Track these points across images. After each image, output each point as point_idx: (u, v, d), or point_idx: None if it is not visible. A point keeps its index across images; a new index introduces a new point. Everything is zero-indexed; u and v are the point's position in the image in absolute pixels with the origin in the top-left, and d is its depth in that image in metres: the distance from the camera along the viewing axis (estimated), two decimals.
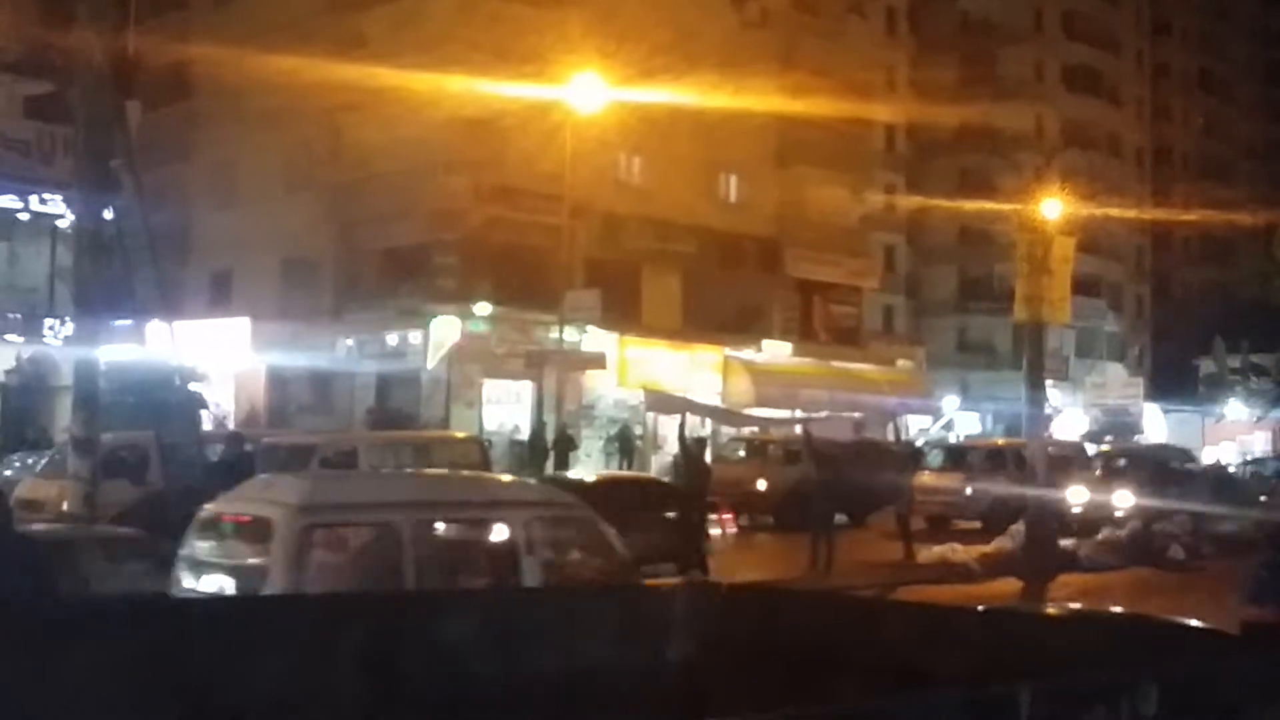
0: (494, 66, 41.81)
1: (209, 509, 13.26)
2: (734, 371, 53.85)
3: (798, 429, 45.10)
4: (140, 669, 6.32)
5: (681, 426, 32.32)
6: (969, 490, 36.45)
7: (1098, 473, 37.78)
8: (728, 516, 31.24)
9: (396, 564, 12.32)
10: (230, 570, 12.59)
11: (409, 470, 23.26)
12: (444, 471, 21.67)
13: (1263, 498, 37.66)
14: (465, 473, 20.60)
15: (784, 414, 50.79)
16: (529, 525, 13.35)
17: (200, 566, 12.75)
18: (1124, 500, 34.45)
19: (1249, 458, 57.16)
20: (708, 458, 31.03)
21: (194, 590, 12.43)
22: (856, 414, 49.40)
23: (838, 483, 28.19)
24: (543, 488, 18.33)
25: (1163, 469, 39.68)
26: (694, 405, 43.68)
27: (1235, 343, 64.58)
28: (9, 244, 39.17)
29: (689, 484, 25.80)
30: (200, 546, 12.98)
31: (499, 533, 13.46)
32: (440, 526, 13.45)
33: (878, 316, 70.86)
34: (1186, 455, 46.86)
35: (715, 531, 27.69)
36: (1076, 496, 33.42)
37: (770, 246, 57.31)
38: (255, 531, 12.47)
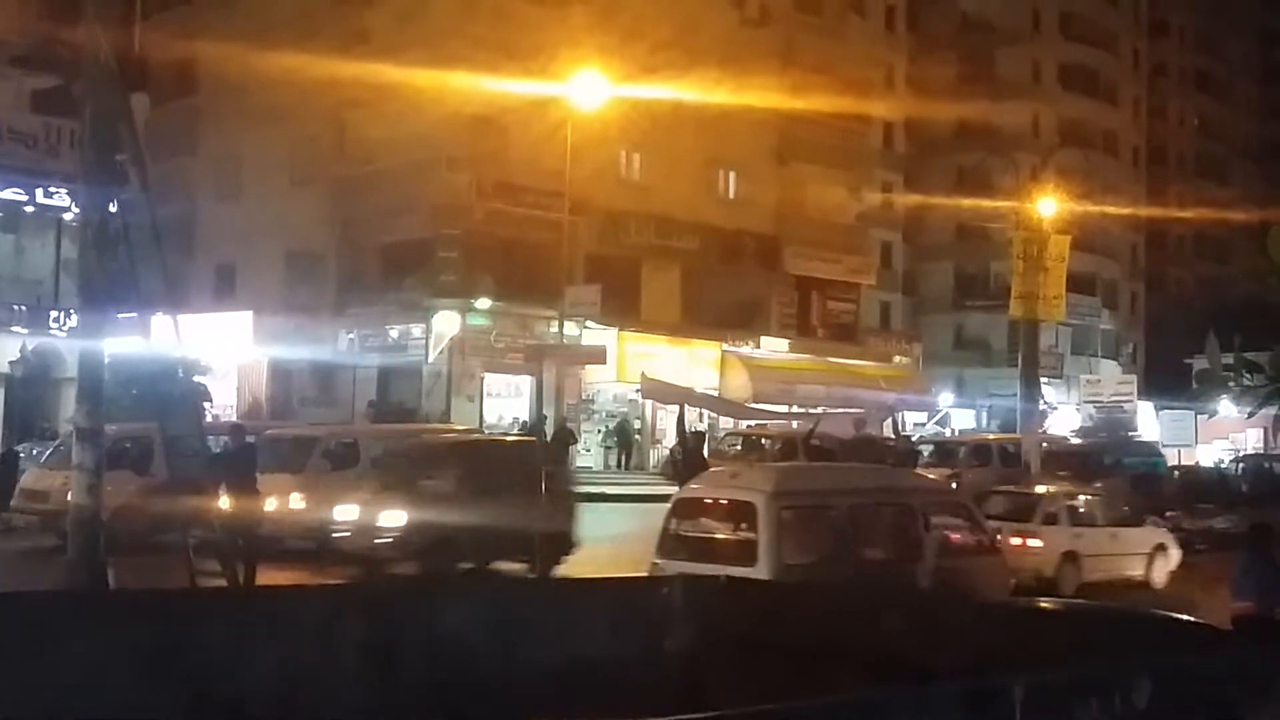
0: (496, 63, 41.89)
1: (685, 494, 16.43)
2: (732, 367, 53.97)
3: (795, 424, 45.29)
4: (146, 659, 6.47)
5: (680, 418, 32.45)
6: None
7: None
8: None
9: (840, 537, 15.65)
10: (719, 543, 15.64)
11: (843, 465, 27.38)
12: (865, 465, 25.85)
13: None
14: (877, 466, 25.20)
15: (781, 408, 51.04)
16: (925, 508, 16.83)
17: (685, 540, 15.81)
18: (394, 519, 23.21)
19: (1239, 454, 57.34)
20: (705, 451, 31.12)
21: (673, 561, 15.09)
22: (857, 410, 49.50)
23: None
24: (931, 479, 23.93)
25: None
26: (691, 394, 43.72)
27: (1228, 340, 64.42)
28: (15, 236, 39.23)
29: (685, 476, 25.57)
30: (684, 524, 16.02)
31: (906, 513, 16.70)
32: (866, 508, 16.57)
33: (875, 313, 70.94)
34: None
35: None
36: (345, 514, 23.78)
37: (769, 243, 57.43)
38: (739, 512, 15.44)
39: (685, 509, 16.21)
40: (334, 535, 23.34)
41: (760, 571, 14.49)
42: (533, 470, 24.91)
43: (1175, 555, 26.37)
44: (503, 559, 23.11)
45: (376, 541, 22.18)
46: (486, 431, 40.17)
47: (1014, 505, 25.30)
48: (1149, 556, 25.93)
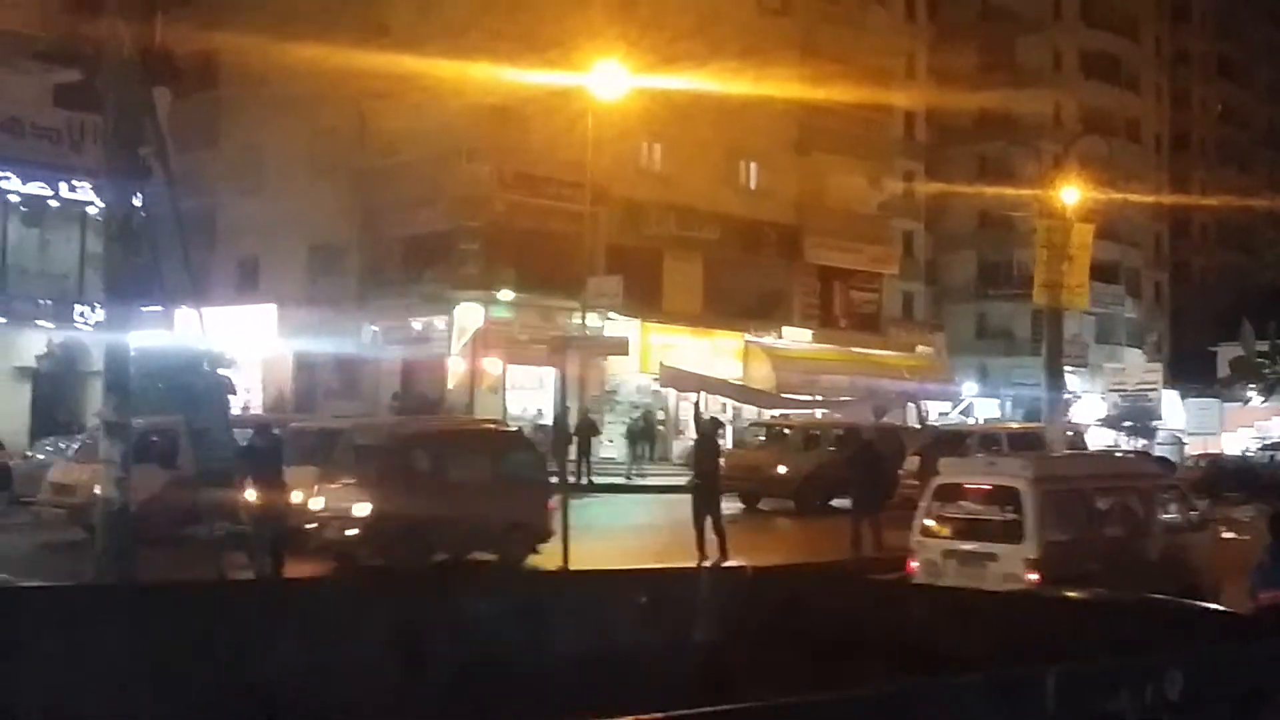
0: (517, 54, 41.87)
1: (945, 481, 17.94)
2: (755, 357, 53.93)
3: (819, 414, 45.28)
4: (175, 651, 6.49)
5: (696, 405, 32.43)
6: None
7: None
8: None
9: (1087, 517, 17.54)
10: (982, 523, 17.28)
11: (1085, 453, 30.89)
12: (1104, 453, 30.51)
13: None
14: (1113, 454, 29.36)
15: (803, 397, 50.95)
16: (1152, 492, 18.87)
17: (946, 521, 17.54)
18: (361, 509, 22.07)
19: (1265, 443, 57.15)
20: (724, 440, 31.07)
21: (936, 539, 17.42)
22: (873, 399, 49.46)
23: (878, 466, 28.00)
24: (1152, 464, 27.10)
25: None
26: (709, 381, 43.65)
27: (1261, 328, 64.36)
28: (39, 231, 39.26)
29: (698, 464, 25.49)
30: (946, 507, 17.63)
31: (1137, 497, 18.61)
32: (1106, 490, 18.42)
33: (897, 303, 70.77)
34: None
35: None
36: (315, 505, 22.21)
37: (790, 233, 57.35)
38: (1002, 496, 17.12)
39: (945, 493, 17.77)
40: (305, 526, 21.74)
41: (1026, 549, 16.41)
42: (515, 459, 24.93)
43: None
44: (477, 550, 22.62)
45: (346, 533, 21.78)
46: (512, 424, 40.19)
47: None
48: None
